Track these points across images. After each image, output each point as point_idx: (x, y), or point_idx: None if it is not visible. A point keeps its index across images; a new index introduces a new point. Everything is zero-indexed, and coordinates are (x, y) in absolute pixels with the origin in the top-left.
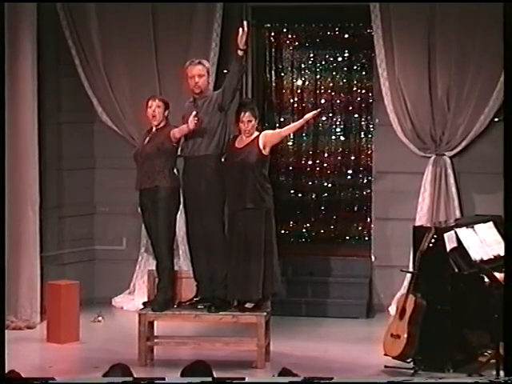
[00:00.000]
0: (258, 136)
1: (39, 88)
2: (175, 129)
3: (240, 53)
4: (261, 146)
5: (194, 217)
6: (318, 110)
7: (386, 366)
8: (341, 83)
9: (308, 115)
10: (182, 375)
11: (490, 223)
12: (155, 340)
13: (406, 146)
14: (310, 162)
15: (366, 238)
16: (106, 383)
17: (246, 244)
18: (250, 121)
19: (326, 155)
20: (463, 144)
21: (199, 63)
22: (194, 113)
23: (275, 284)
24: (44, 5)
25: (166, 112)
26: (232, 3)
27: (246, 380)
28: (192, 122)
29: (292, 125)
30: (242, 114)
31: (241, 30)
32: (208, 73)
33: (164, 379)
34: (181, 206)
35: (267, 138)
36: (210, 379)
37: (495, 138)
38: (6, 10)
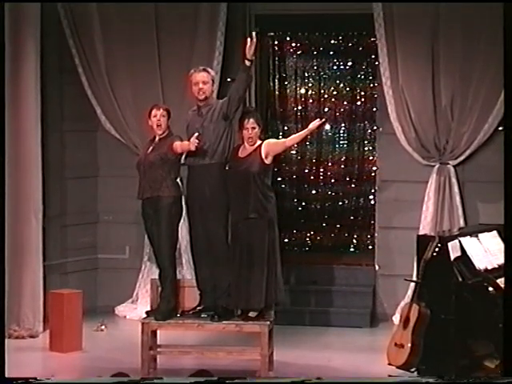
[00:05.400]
0: (260, 145)
1: (42, 96)
2: (177, 142)
3: (247, 63)
4: (263, 155)
5: (197, 225)
6: (323, 119)
7: (389, 376)
8: (344, 92)
9: (313, 125)
10: None
11: (494, 232)
12: (158, 349)
13: (410, 155)
14: (313, 171)
15: (370, 247)
16: (106, 383)
17: (249, 253)
18: (254, 128)
19: (329, 164)
20: (467, 153)
21: (204, 70)
22: (197, 134)
23: (278, 293)
24: (47, 13)
25: (169, 121)
26: (235, 13)
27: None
28: (194, 143)
29: (297, 135)
30: (246, 120)
31: (249, 40)
32: (213, 80)
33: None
34: (184, 215)
35: (270, 146)
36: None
37: (499, 146)
38: (9, 17)
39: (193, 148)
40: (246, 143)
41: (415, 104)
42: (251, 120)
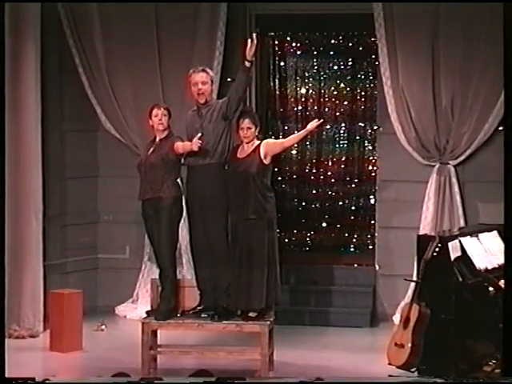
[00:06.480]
0: (259, 145)
1: (43, 96)
2: (179, 143)
3: (248, 64)
4: (262, 156)
5: (197, 225)
6: (321, 120)
7: (390, 376)
8: (344, 91)
9: (311, 126)
10: None
11: (495, 232)
12: (158, 349)
13: (410, 155)
14: (313, 171)
15: (370, 247)
16: (106, 383)
17: (249, 253)
18: (250, 128)
19: (329, 164)
20: (467, 153)
21: (203, 70)
22: (199, 134)
23: (278, 293)
24: (47, 13)
25: (170, 120)
26: (236, 13)
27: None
28: (196, 143)
29: (295, 135)
30: (241, 120)
31: (249, 41)
32: (212, 81)
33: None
34: (184, 215)
35: (269, 147)
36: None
37: (499, 146)
38: (9, 17)
39: (195, 149)
40: (243, 143)
41: (415, 104)
42: (246, 120)
